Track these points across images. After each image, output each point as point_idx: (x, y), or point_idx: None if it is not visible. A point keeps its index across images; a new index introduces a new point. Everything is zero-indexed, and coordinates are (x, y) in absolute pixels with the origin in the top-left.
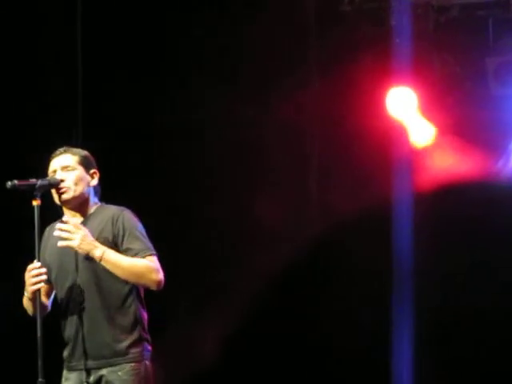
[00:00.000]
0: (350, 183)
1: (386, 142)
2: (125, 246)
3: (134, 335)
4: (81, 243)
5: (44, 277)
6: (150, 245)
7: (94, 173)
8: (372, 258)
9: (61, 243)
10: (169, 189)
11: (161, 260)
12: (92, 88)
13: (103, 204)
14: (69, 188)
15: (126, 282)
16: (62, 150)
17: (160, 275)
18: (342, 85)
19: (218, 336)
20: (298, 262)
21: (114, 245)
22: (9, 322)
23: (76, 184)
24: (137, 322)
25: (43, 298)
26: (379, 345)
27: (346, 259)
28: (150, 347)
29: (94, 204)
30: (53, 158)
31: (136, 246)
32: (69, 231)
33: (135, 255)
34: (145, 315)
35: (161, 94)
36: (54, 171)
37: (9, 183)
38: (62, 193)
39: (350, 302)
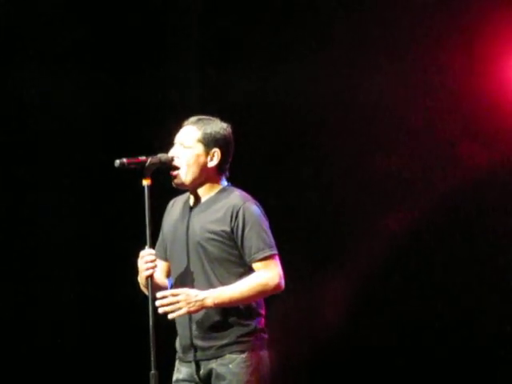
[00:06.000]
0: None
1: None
2: (242, 242)
3: (247, 325)
4: (188, 308)
5: (156, 263)
6: (270, 242)
7: (216, 152)
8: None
9: (170, 316)
10: None
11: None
12: None
13: (227, 186)
14: (180, 172)
15: (241, 267)
16: (192, 120)
17: (276, 280)
18: (468, 54)
19: (343, 301)
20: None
21: (232, 239)
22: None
23: (188, 165)
24: (251, 309)
25: (162, 278)
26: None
27: (480, 220)
28: (265, 336)
29: (216, 186)
30: (182, 126)
31: (254, 243)
32: (170, 304)
33: (253, 254)
34: (261, 301)
35: None
36: (174, 144)
37: (117, 161)
38: (174, 177)
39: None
